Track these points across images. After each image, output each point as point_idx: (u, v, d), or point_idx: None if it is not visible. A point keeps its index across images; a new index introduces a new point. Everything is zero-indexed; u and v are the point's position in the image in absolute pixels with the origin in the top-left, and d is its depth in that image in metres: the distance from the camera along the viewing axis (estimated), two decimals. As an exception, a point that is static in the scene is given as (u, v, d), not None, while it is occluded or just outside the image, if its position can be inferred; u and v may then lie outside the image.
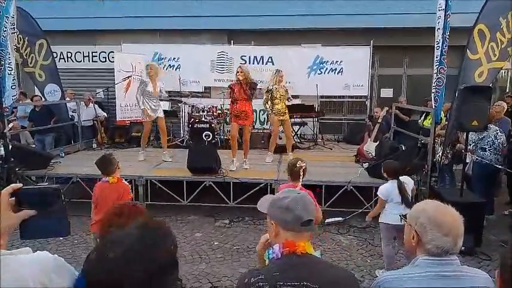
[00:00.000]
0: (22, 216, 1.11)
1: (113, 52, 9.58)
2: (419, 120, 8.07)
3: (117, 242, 0.94)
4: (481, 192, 5.32)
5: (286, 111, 6.82)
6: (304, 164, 3.35)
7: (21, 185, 1.13)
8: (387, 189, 4.07)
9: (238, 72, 6.03)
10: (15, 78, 6.35)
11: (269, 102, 6.68)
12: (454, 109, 5.53)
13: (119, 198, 3.23)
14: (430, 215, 1.52)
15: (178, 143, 8.72)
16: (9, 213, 1.10)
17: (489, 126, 5.46)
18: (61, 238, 4.80)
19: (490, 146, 5.48)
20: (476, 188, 5.52)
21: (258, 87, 6.51)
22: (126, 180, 5.86)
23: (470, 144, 5.49)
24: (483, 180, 5.57)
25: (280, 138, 7.57)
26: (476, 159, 5.55)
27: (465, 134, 5.21)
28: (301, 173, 3.31)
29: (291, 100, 6.98)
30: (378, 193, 4.19)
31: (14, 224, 1.11)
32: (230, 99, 6.28)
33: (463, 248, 4.40)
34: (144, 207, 1.38)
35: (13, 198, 1.12)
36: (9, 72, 6.09)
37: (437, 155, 6.46)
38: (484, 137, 5.51)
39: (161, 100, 7.03)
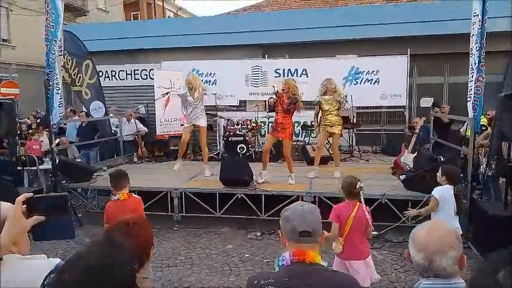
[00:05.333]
0: (33, 222, 1.26)
1: (153, 69, 10.04)
2: (461, 129, 7.70)
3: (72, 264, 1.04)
4: None
5: (338, 123, 6.44)
6: (363, 184, 3.33)
7: (32, 194, 1.28)
8: (445, 190, 3.83)
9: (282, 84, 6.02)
10: (62, 97, 6.81)
11: (319, 115, 6.53)
12: (496, 118, 5.22)
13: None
14: (414, 232, 1.51)
15: (214, 156, 8.88)
16: (23, 219, 1.25)
17: None
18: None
19: None
20: None
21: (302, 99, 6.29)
22: (161, 192, 6.17)
23: None
24: None
25: (314, 150, 7.52)
26: None
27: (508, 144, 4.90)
28: (361, 194, 3.30)
29: (347, 108, 6.99)
30: (432, 193, 3.97)
31: (26, 229, 1.27)
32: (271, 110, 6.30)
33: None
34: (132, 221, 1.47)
35: (25, 206, 1.26)
36: (56, 91, 6.57)
37: (482, 167, 6.11)
38: None
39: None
